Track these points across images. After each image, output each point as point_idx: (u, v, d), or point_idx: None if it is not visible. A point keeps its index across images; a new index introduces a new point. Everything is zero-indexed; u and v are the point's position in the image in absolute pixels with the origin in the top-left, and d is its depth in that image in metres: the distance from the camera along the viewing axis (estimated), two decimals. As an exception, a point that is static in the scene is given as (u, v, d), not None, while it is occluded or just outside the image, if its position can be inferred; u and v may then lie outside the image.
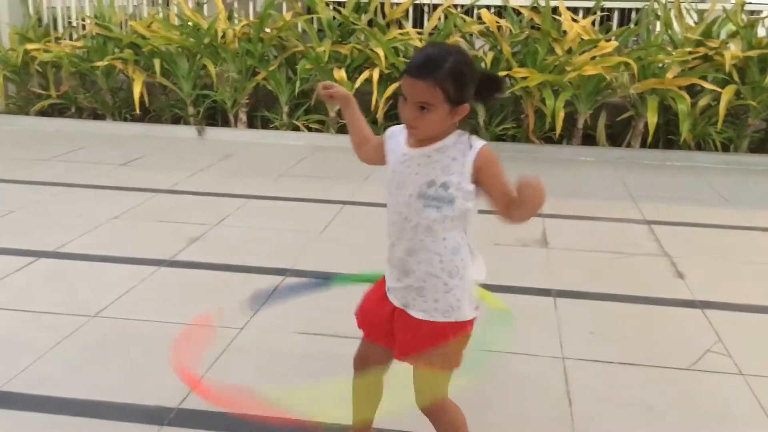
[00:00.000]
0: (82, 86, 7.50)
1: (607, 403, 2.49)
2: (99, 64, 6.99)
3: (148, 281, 3.44)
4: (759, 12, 7.23)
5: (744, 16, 6.87)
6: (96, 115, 7.56)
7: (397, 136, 1.85)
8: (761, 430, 2.36)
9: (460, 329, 1.79)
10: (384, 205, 1.86)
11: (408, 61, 1.76)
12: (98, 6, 7.61)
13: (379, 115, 6.53)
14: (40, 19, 8.01)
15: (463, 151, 1.73)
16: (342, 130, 6.89)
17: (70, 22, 8.16)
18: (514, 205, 1.74)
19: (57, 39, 7.70)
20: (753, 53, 6.33)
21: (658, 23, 6.94)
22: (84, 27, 7.80)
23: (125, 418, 2.31)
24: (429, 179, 1.73)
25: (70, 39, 7.80)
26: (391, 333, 1.86)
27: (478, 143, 1.75)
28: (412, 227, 1.75)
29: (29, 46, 7.25)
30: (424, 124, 1.69)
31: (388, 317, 1.85)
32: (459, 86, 1.66)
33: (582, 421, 2.37)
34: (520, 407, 2.45)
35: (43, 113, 7.56)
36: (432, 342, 1.78)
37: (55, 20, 8.14)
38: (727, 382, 2.66)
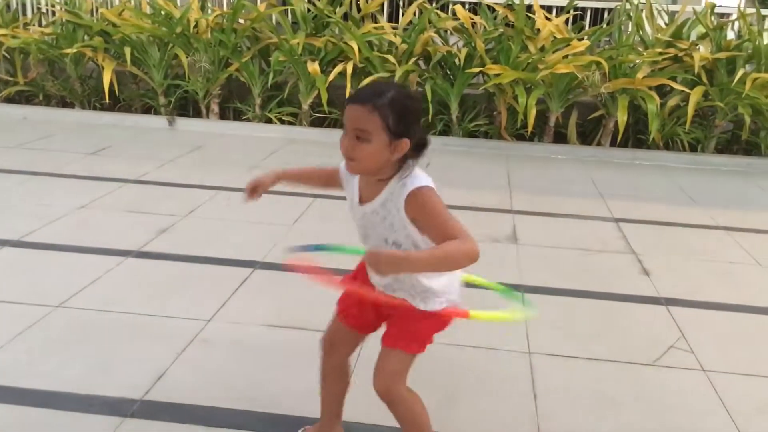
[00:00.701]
0: (50, 73, 7.37)
1: (571, 398, 2.52)
2: (68, 51, 6.86)
3: (114, 272, 3.39)
4: (728, 15, 7.35)
5: (714, 19, 6.98)
6: (65, 103, 7.44)
7: (350, 182, 1.84)
8: (721, 424, 2.40)
9: (433, 321, 1.87)
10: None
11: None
12: (68, -8, 7.48)
13: (353, 109, 6.52)
14: (8, 5, 7.86)
15: (397, 205, 1.70)
16: (314, 123, 6.87)
17: (39, 8, 8.01)
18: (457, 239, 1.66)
19: (25, 25, 7.56)
20: (722, 55, 6.43)
21: (629, 23, 7.02)
22: (53, 13, 7.67)
23: (88, 410, 2.28)
24: (383, 237, 1.77)
25: (39, 25, 7.66)
26: (374, 318, 1.93)
27: (408, 188, 1.68)
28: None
29: (-4, 32, 7.10)
30: (360, 156, 1.65)
31: (370, 305, 1.91)
32: (399, 116, 1.63)
33: (546, 415, 2.39)
34: (486, 401, 2.46)
35: (10, 100, 7.41)
36: (406, 327, 1.85)
37: (23, 5, 8.00)
38: (690, 377, 2.70)
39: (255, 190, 1.96)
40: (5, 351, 2.61)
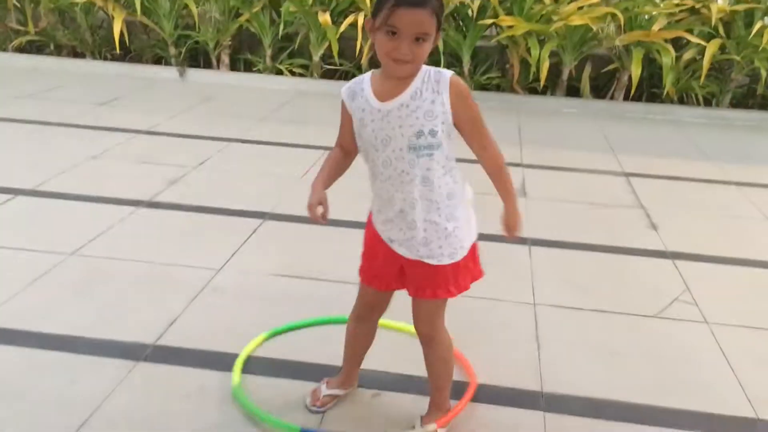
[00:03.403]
0: (61, 23, 7.33)
1: (574, 348, 2.56)
2: (78, 0, 6.81)
3: (126, 221, 3.44)
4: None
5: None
6: (75, 53, 7.42)
7: (360, 93, 1.77)
8: (722, 375, 2.44)
9: (468, 259, 1.89)
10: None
11: None
12: (78, -60, 7.38)
13: (364, 61, 6.47)
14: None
15: (434, 88, 1.70)
16: (325, 75, 6.83)
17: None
18: (489, 153, 1.81)
19: (35, -27, 7.49)
20: (739, 7, 6.30)
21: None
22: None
23: (102, 353, 2.34)
24: (416, 130, 1.70)
25: (49, -27, 7.58)
26: (400, 277, 1.92)
27: (446, 74, 1.71)
28: (410, 180, 1.75)
29: (6, -20, 7.06)
30: (420, 56, 1.65)
31: (398, 268, 1.90)
32: (441, 12, 1.65)
33: (549, 363, 2.44)
34: (490, 350, 2.51)
35: (20, 50, 7.40)
36: (442, 280, 1.86)
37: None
38: (692, 329, 2.73)
39: (315, 212, 1.80)
40: (21, 297, 2.68)
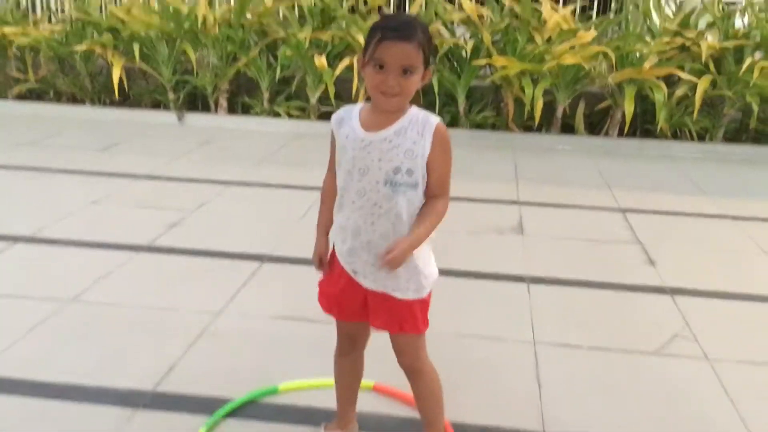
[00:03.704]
0: (60, 71, 7.44)
1: (575, 387, 2.55)
2: (78, 48, 6.93)
3: (126, 266, 3.45)
4: (735, 3, 7.30)
5: (721, 7, 6.95)
6: (75, 100, 7.51)
7: (347, 121, 1.82)
8: (725, 412, 2.43)
9: (427, 300, 1.90)
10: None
11: (375, 29, 1.70)
12: (77, -11, 7.54)
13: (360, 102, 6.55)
14: (18, 3, 7.92)
15: (419, 131, 1.75)
16: (322, 116, 6.91)
17: (48, 6, 8.07)
18: (439, 201, 1.80)
19: (35, 23, 7.63)
20: (729, 44, 6.41)
21: (637, 13, 7.00)
22: (63, 11, 7.73)
23: (101, 402, 2.33)
24: (394, 165, 1.75)
25: (49, 23, 7.72)
26: (364, 308, 1.92)
27: (433, 120, 1.77)
28: (383, 213, 1.78)
29: (7, 30, 7.17)
30: (407, 89, 1.70)
31: (361, 300, 1.90)
32: (429, 47, 1.70)
33: (550, 403, 2.43)
34: (491, 390, 2.50)
35: (21, 97, 7.49)
36: (409, 315, 1.87)
37: (33, 4, 8.06)
38: (693, 366, 2.73)
39: (322, 263, 1.95)
40: (20, 345, 2.67)
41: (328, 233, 1.95)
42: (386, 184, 1.75)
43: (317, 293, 2.00)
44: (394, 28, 1.68)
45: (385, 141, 1.75)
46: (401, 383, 2.07)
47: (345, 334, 2.04)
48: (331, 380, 2.16)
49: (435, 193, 1.80)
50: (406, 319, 1.87)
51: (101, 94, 7.43)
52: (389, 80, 1.68)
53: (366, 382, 2.18)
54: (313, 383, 2.43)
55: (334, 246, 1.93)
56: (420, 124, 1.75)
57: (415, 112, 1.78)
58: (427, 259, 1.86)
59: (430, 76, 1.77)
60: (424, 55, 1.69)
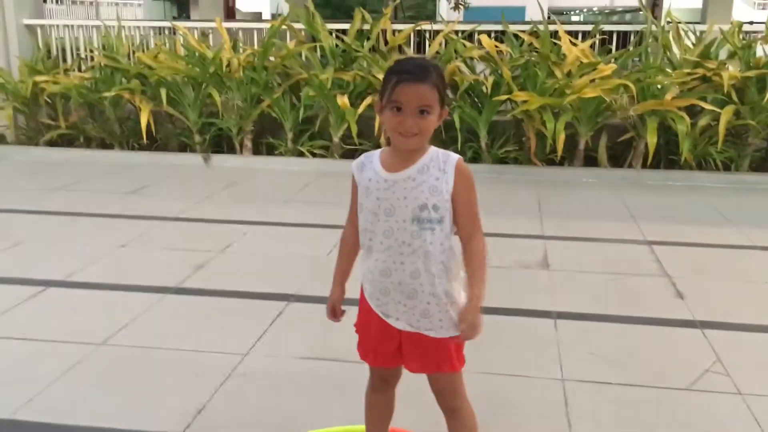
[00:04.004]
0: (90, 116, 7.64)
1: (606, 425, 2.51)
2: (107, 94, 7.12)
3: (154, 309, 3.50)
4: (756, 33, 7.30)
5: (741, 37, 6.95)
6: (104, 145, 7.68)
7: (369, 165, 1.87)
8: (760, 449, 2.39)
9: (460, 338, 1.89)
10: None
11: (391, 73, 1.76)
12: (106, 37, 7.77)
13: (382, 140, 6.61)
14: (49, 51, 8.18)
15: (441, 167, 1.79)
16: (345, 155, 6.98)
17: (78, 54, 8.32)
18: (475, 241, 1.82)
19: (65, 71, 7.86)
20: (751, 73, 6.40)
21: (657, 45, 7.02)
22: (92, 58, 7.95)
23: (131, 445, 2.35)
24: (420, 203, 1.78)
25: (79, 70, 7.95)
26: (399, 352, 1.92)
27: (453, 156, 1.82)
28: (412, 252, 1.80)
29: (38, 78, 7.41)
30: (425, 129, 1.75)
31: (396, 344, 1.91)
32: (444, 87, 1.76)
33: (581, 442, 2.40)
34: (521, 429, 2.47)
35: (52, 144, 7.69)
36: (445, 353, 1.87)
37: (63, 51, 8.31)
38: (726, 401, 2.68)
39: (334, 312, 2.00)
40: (52, 389, 2.71)
41: (343, 283, 2.00)
42: (413, 221, 1.78)
43: (360, 345, 2.00)
44: (409, 71, 1.73)
45: (409, 179, 1.79)
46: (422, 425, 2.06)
47: (378, 374, 2.04)
48: (355, 426, 2.16)
49: (467, 230, 1.82)
50: (442, 358, 1.87)
51: (129, 138, 7.60)
52: (407, 121, 1.73)
53: None
54: (337, 430, 2.42)
55: (363, 290, 1.94)
56: (441, 161, 1.80)
57: (434, 150, 1.82)
58: (458, 297, 1.87)
59: (446, 115, 1.81)
60: (440, 95, 1.74)
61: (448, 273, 1.83)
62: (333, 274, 2.02)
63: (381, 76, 6.43)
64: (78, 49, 8.33)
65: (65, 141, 7.81)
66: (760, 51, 6.89)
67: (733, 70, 6.50)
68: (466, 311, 1.80)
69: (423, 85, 1.71)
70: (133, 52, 7.93)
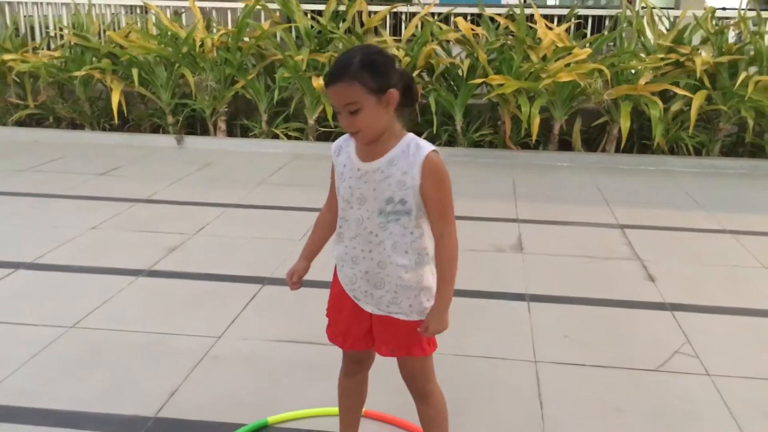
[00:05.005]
0: (60, 96, 7.48)
1: (577, 406, 2.55)
2: (77, 73, 6.98)
3: (126, 291, 3.46)
4: (729, 19, 7.37)
5: (714, 23, 7.01)
6: (74, 125, 7.55)
7: (345, 149, 1.86)
8: (727, 429, 2.43)
9: None
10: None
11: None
12: (76, 16, 7.61)
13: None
14: (17, 29, 7.99)
15: (410, 160, 1.74)
16: (320, 137, 6.94)
17: (47, 32, 8.14)
18: (445, 242, 1.78)
19: (34, 49, 7.68)
20: (723, 59, 6.46)
21: (631, 30, 7.06)
22: (62, 37, 7.79)
23: (103, 428, 2.33)
24: (387, 196, 1.76)
25: (48, 49, 7.79)
26: (370, 335, 1.92)
27: (424, 150, 1.74)
28: (379, 242, 1.79)
29: (6, 57, 7.23)
30: (362, 124, 1.71)
31: (366, 327, 1.91)
32: (375, 74, 1.68)
33: (553, 423, 2.42)
34: (493, 410, 2.50)
35: (20, 123, 7.53)
36: (415, 337, 1.86)
37: (32, 30, 8.13)
38: (695, 382, 2.73)
39: (291, 278, 2.00)
40: (22, 372, 2.68)
41: (310, 258, 2.01)
42: (380, 214, 1.77)
43: (329, 328, 2.00)
44: (329, 72, 1.70)
45: (378, 171, 1.76)
46: (392, 408, 2.07)
47: (350, 356, 2.04)
48: (329, 409, 2.15)
49: (437, 227, 1.78)
50: (412, 342, 1.86)
51: (100, 118, 7.47)
52: (343, 122, 1.72)
53: None
54: (302, 413, 2.42)
55: (336, 272, 1.94)
56: (411, 153, 1.74)
57: (408, 140, 1.77)
58: (430, 280, 1.86)
59: (396, 97, 1.71)
60: (368, 86, 1.66)
61: (419, 260, 1.81)
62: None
63: (356, 58, 6.42)
64: (47, 27, 8.16)
65: (34, 121, 7.66)
66: (732, 37, 6.97)
67: (705, 55, 6.57)
68: (431, 315, 1.79)
69: (340, 84, 1.67)
70: (104, 31, 7.79)
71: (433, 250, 1.82)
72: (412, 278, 1.81)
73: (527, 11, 6.85)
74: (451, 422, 2.06)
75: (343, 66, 1.68)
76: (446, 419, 2.02)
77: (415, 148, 1.75)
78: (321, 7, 7.36)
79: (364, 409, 2.17)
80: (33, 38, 8.08)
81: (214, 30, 7.36)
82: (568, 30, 7.10)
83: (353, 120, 1.70)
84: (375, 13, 7.33)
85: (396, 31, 7.78)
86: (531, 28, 6.87)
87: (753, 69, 6.58)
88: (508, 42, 6.74)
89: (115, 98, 6.76)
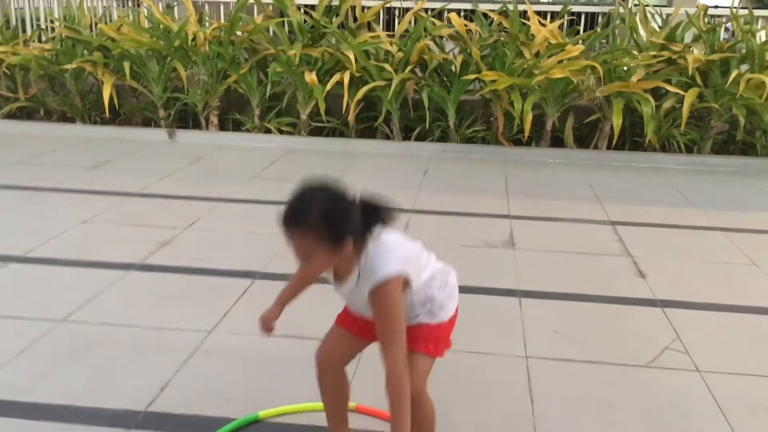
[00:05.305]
0: (50, 89, 7.44)
1: (568, 401, 2.56)
2: (68, 66, 6.94)
3: (117, 285, 3.45)
4: (721, 17, 7.39)
5: (707, 21, 7.04)
6: (65, 118, 7.51)
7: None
8: (716, 425, 2.44)
9: (440, 326, 1.94)
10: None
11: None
12: (67, 8, 7.57)
13: (350, 119, 6.57)
14: (7, 21, 7.94)
15: (369, 281, 1.74)
16: (313, 132, 6.93)
17: (38, 25, 8.09)
18: (387, 363, 1.76)
19: (25, 41, 7.64)
20: (715, 57, 6.49)
21: (624, 27, 7.08)
22: (53, 29, 7.74)
23: (93, 422, 2.32)
24: (366, 299, 1.79)
25: (39, 41, 7.73)
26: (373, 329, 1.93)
27: (378, 276, 1.72)
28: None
29: (-3, 49, 7.18)
30: (316, 269, 1.78)
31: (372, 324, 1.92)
32: (332, 226, 1.66)
33: (544, 418, 2.43)
34: (484, 406, 2.50)
35: (11, 116, 7.48)
36: (418, 333, 1.89)
37: (23, 22, 8.08)
38: (685, 378, 2.74)
39: (266, 325, 2.06)
40: (12, 366, 2.66)
41: (283, 305, 2.07)
42: (369, 307, 1.81)
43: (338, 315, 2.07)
44: (286, 212, 1.68)
45: (353, 287, 1.81)
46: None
47: (324, 352, 2.04)
48: (311, 404, 2.18)
49: (382, 348, 1.77)
50: (415, 337, 1.88)
51: (92, 112, 7.43)
52: (303, 265, 1.81)
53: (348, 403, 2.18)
54: (294, 408, 2.42)
55: None
56: (368, 275, 1.74)
57: (366, 260, 1.75)
58: (435, 293, 1.90)
59: (350, 246, 1.69)
60: (325, 237, 1.65)
61: (427, 300, 1.89)
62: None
63: (350, 54, 6.42)
64: (38, 19, 8.11)
65: (24, 114, 7.62)
66: (724, 35, 6.99)
67: (697, 53, 6.59)
68: None
69: (293, 233, 1.67)
70: (96, 24, 7.74)
71: (443, 285, 1.92)
72: (423, 311, 1.91)
73: (520, 7, 6.85)
74: (441, 418, 2.07)
75: (301, 213, 1.66)
76: (433, 428, 2.03)
77: (371, 271, 1.74)
78: (314, 1, 7.34)
79: (356, 404, 2.17)
80: (24, 30, 8.03)
81: (207, 24, 7.33)
82: (561, 26, 7.12)
83: (307, 263, 1.75)
84: (368, 8, 7.32)
85: (389, 26, 7.78)
86: (524, 24, 6.87)
87: (744, 67, 6.61)
88: (501, 38, 6.73)
89: (107, 92, 6.73)
